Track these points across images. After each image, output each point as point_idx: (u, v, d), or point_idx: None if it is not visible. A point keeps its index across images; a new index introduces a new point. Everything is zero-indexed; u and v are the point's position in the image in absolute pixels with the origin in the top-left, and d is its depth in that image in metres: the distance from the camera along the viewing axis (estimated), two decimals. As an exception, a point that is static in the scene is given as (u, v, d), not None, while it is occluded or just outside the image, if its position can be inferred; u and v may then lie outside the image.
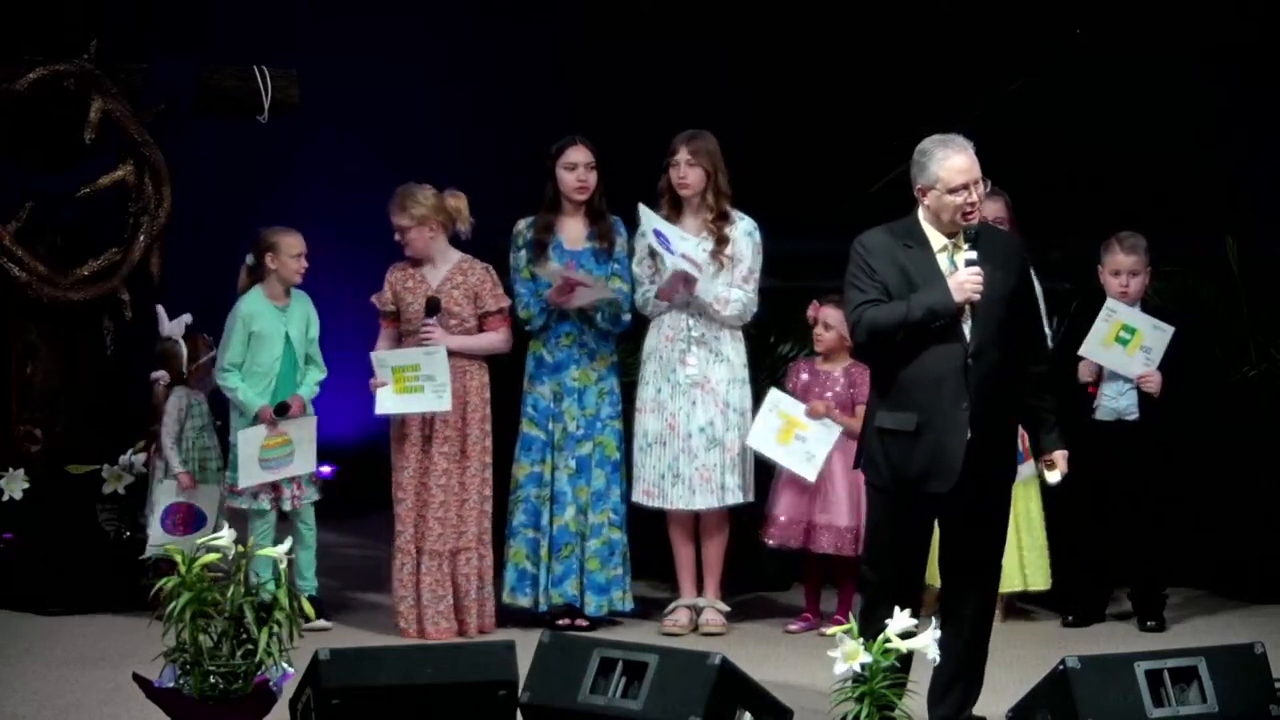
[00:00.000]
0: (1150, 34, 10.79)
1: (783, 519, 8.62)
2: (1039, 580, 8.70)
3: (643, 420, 8.65)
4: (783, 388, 8.69)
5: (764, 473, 8.69)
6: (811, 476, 8.50)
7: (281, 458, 8.65)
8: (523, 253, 8.72)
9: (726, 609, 8.69)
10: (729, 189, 8.60)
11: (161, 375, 9.03)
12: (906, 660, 6.27)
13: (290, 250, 8.69)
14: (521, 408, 8.72)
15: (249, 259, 8.75)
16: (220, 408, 8.92)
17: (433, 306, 8.50)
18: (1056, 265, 8.93)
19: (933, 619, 6.35)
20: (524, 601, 8.63)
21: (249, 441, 8.58)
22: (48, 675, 7.84)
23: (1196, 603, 9.04)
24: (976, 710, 6.90)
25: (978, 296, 6.62)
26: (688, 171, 8.58)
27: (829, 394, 8.60)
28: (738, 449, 8.57)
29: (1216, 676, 6.47)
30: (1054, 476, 6.90)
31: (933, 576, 7.09)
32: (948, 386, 6.63)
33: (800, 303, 8.81)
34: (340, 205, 10.60)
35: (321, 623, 8.49)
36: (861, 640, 6.07)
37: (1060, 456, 6.87)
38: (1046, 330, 8.10)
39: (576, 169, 8.68)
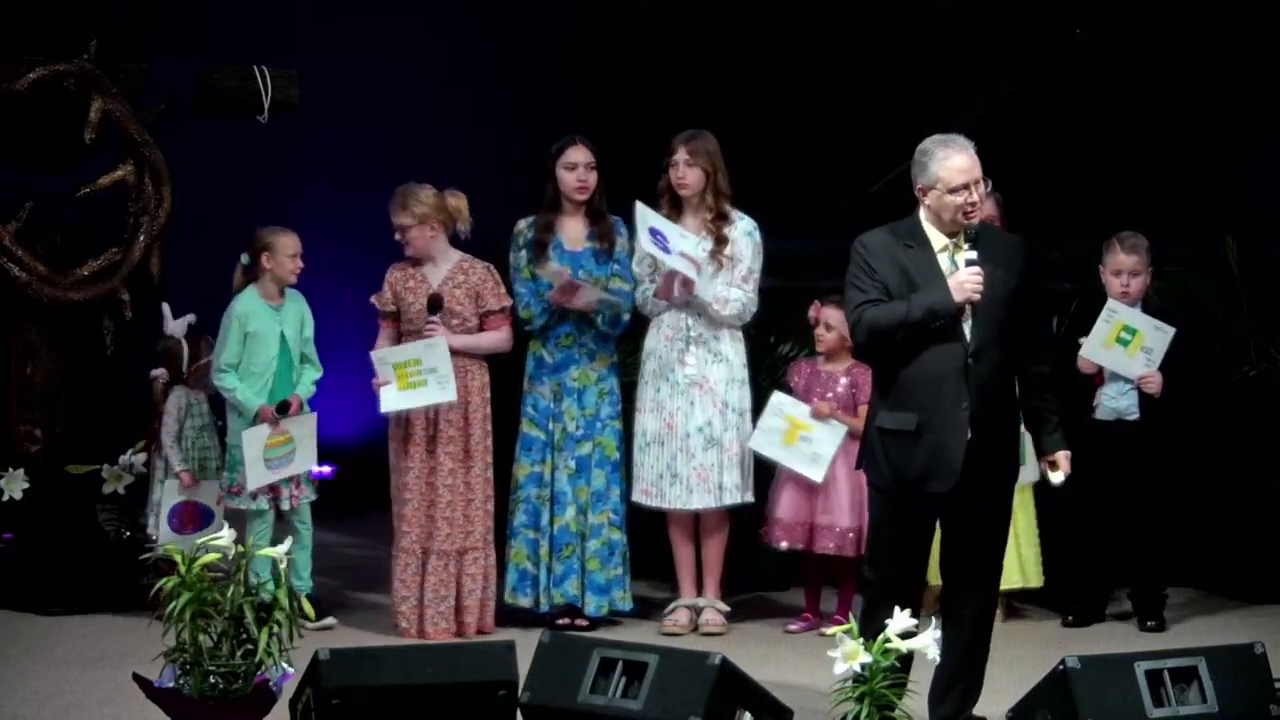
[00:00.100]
0: (1150, 34, 10.79)
1: (784, 519, 8.61)
2: (1034, 578, 8.71)
3: (642, 420, 8.65)
4: (783, 388, 8.69)
5: (764, 473, 8.69)
6: (818, 478, 8.49)
7: (284, 456, 8.64)
8: (523, 253, 8.72)
9: (726, 609, 8.69)
10: (729, 189, 8.59)
11: (161, 373, 9.03)
12: (907, 660, 6.26)
13: (286, 250, 8.68)
14: (521, 408, 8.71)
15: (244, 258, 8.74)
16: (221, 408, 8.91)
17: (435, 304, 8.49)
18: (1056, 265, 8.93)
19: (933, 619, 6.34)
20: (525, 602, 8.63)
21: (253, 443, 8.55)
22: (48, 675, 7.84)
23: (1196, 603, 9.03)
24: (976, 710, 6.89)
25: (978, 296, 6.62)
26: (687, 172, 8.58)
27: (830, 394, 8.59)
28: (736, 449, 8.56)
29: (1216, 676, 6.46)
30: (1057, 477, 6.88)
31: (933, 576, 7.10)
32: (948, 386, 6.62)
33: (800, 303, 8.80)
34: (340, 205, 10.60)
35: (329, 620, 8.53)
36: (861, 640, 6.07)
37: (1063, 457, 6.86)
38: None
39: (576, 169, 8.67)
